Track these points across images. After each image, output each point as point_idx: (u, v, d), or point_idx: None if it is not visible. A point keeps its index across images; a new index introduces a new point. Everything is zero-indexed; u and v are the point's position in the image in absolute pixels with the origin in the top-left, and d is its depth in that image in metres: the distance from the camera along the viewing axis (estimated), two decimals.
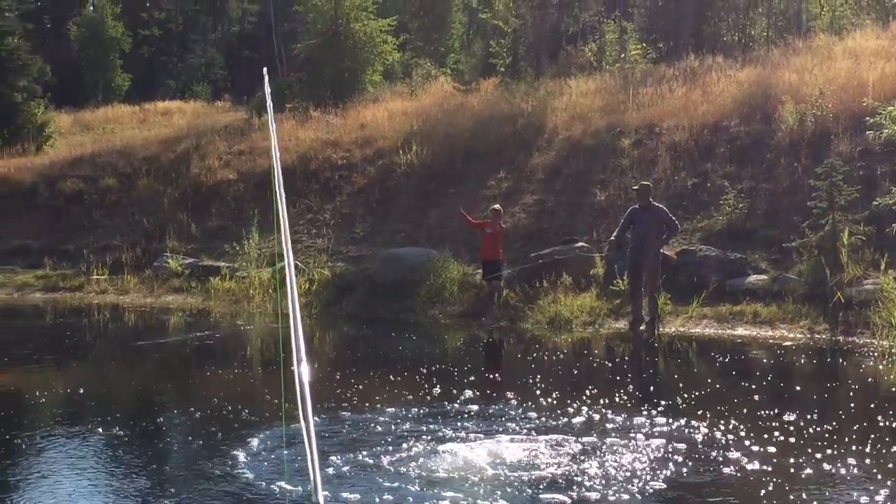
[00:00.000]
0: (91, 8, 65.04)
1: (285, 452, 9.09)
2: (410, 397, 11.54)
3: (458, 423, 10.15)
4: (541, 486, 8.09)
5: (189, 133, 33.32)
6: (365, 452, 9.07)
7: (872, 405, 10.82)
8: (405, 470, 8.55)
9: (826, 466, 8.46)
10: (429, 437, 9.58)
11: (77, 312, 21.21)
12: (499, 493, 7.95)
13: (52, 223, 28.43)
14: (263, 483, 8.28)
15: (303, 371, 3.43)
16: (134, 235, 26.23)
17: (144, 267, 24.11)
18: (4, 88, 36.79)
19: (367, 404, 11.24)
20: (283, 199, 4.16)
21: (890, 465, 8.46)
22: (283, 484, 8.16)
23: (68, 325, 19.71)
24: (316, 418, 9.98)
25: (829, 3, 37.35)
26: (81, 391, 12.56)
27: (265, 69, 6.04)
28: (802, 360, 14.10)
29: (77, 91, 54.48)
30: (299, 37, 41.88)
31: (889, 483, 7.97)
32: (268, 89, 5.43)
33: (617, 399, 11.35)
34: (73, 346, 17.19)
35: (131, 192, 29.03)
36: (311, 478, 3.13)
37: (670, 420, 10.13)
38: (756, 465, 8.55)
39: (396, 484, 8.13)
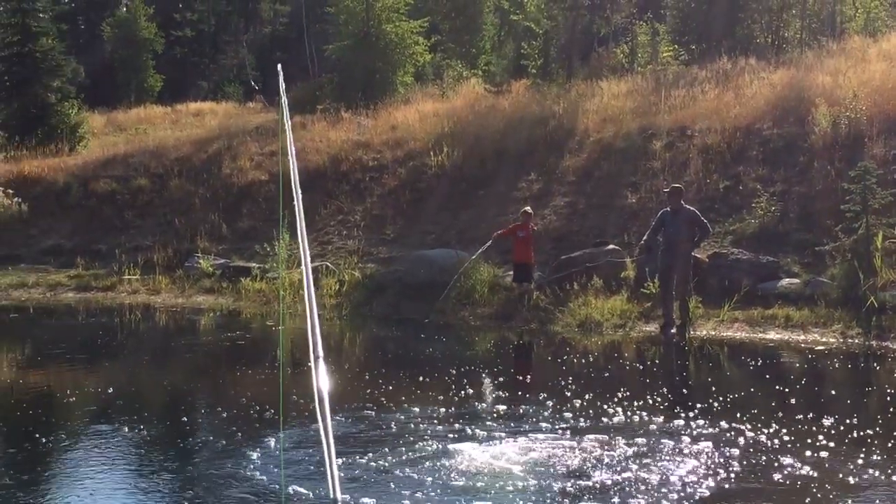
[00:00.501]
0: (124, 9, 65.40)
1: (304, 453, 9.10)
2: (439, 399, 11.52)
3: (487, 426, 10.14)
4: (571, 492, 8.06)
5: (221, 134, 33.43)
6: (389, 454, 9.08)
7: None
8: (431, 472, 8.53)
9: (870, 472, 8.39)
10: (456, 440, 9.57)
11: (109, 312, 21.32)
12: (528, 498, 7.93)
13: (84, 223, 28.58)
14: (276, 485, 8.29)
15: (320, 369, 3.40)
16: (165, 236, 26.33)
17: (176, 267, 24.20)
18: (38, 89, 37.03)
19: (394, 406, 11.24)
20: (300, 194, 4.13)
21: None
22: (297, 487, 8.17)
23: (100, 325, 19.82)
24: (340, 417, 10.06)
25: (864, 5, 37.01)
26: (111, 391, 12.62)
27: (279, 65, 6.04)
28: (836, 365, 13.99)
29: (110, 92, 54.84)
30: (331, 38, 41.91)
31: None
32: (282, 85, 5.42)
33: (648, 403, 11.30)
34: (105, 345, 17.29)
35: (163, 193, 29.15)
36: (329, 478, 3.11)
37: (704, 425, 10.07)
38: (796, 471, 8.48)
39: (421, 487, 8.12)
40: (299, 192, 4.07)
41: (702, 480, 8.23)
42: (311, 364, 3.44)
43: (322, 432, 3.29)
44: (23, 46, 37.47)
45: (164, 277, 23.51)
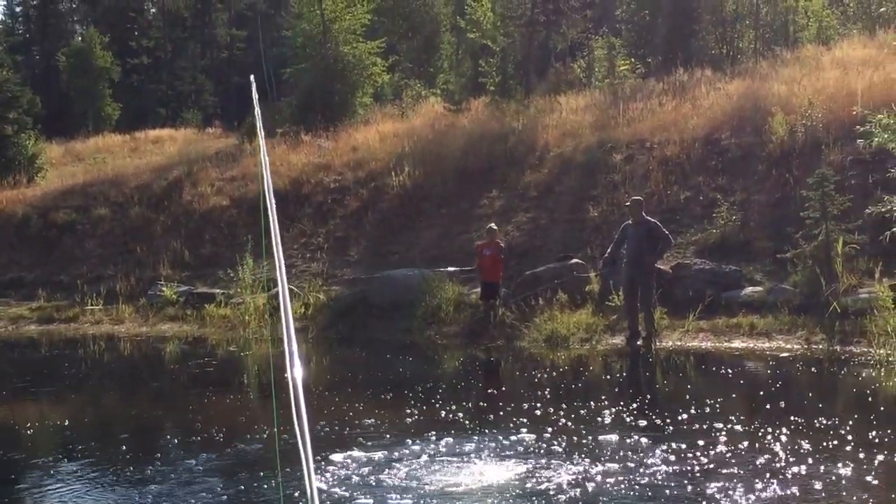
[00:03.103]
0: (79, 38, 65.07)
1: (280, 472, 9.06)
2: (407, 419, 11.50)
3: (457, 444, 10.12)
4: None
5: (180, 160, 33.27)
6: (359, 474, 9.04)
7: (875, 414, 10.80)
8: (404, 490, 8.51)
9: (838, 473, 8.45)
10: (426, 458, 9.55)
11: (72, 344, 21.14)
12: None
13: (45, 254, 28.34)
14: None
15: (297, 379, 3.39)
16: (127, 264, 26.14)
17: (139, 296, 24.01)
18: None
19: (363, 427, 11.21)
20: (274, 208, 4.11)
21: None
22: None
23: (64, 357, 19.65)
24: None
25: (816, 14, 37.43)
26: (77, 423, 12.51)
27: (252, 76, 6.01)
28: (801, 371, 14.10)
29: (67, 122, 54.45)
30: (288, 61, 41.88)
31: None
32: (255, 96, 5.38)
33: (617, 416, 11.34)
34: (70, 377, 17.14)
35: (124, 221, 28.96)
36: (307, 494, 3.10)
37: (673, 434, 10.11)
38: (766, 476, 8.53)
39: None
40: (274, 211, 4.05)
41: (674, 490, 8.26)
42: (289, 380, 3.43)
43: (301, 451, 3.27)
44: None
45: (128, 306, 23.35)
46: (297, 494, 8.48)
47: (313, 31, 38.60)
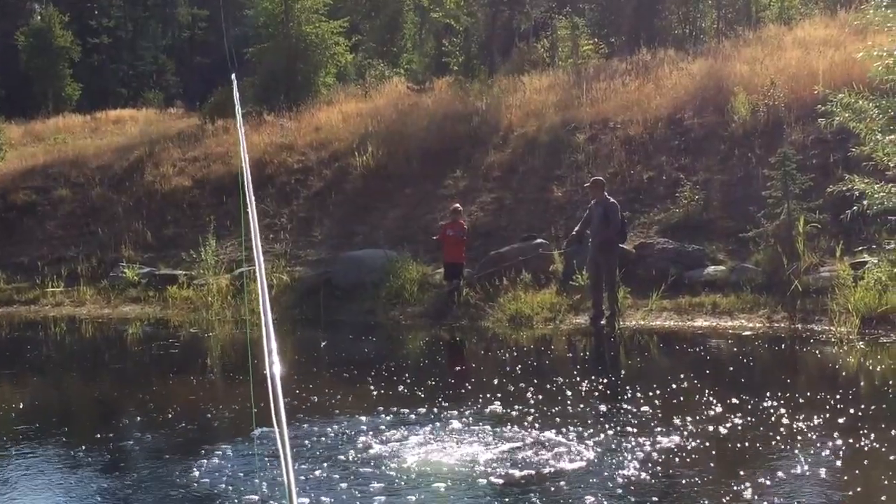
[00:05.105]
0: (38, 17, 64.27)
1: (256, 457, 9.03)
2: (372, 399, 11.49)
3: (421, 425, 10.12)
4: (509, 486, 8.08)
5: (142, 141, 32.99)
6: (327, 457, 9.03)
7: (837, 391, 10.88)
8: (370, 474, 8.51)
9: (797, 448, 8.52)
10: (392, 440, 9.54)
11: (33, 326, 20.98)
12: (468, 494, 7.94)
13: (4, 236, 28.07)
14: (232, 491, 8.22)
15: (275, 371, 3.36)
16: (89, 246, 25.95)
17: (100, 277, 23.86)
18: None
19: (328, 409, 11.19)
20: (252, 194, 4.08)
21: (849, 448, 8.54)
22: (254, 497, 8.10)
23: (25, 339, 19.49)
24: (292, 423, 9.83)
25: None
26: (38, 406, 12.41)
27: (234, 75, 5.96)
28: (762, 350, 14.20)
29: (27, 102, 53.79)
30: (251, 41, 41.60)
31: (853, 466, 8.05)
32: (236, 93, 5.32)
33: (580, 394, 11.39)
34: (30, 360, 16.99)
35: (85, 203, 28.73)
36: (286, 483, 3.07)
37: (635, 413, 10.16)
38: (728, 452, 8.59)
39: (363, 487, 8.09)
40: (252, 196, 4.02)
41: (633, 468, 8.29)
42: (267, 365, 3.39)
43: (278, 438, 3.25)
44: None
45: (89, 288, 23.19)
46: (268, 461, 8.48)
47: (275, 10, 38.40)
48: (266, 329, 3.41)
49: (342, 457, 9.06)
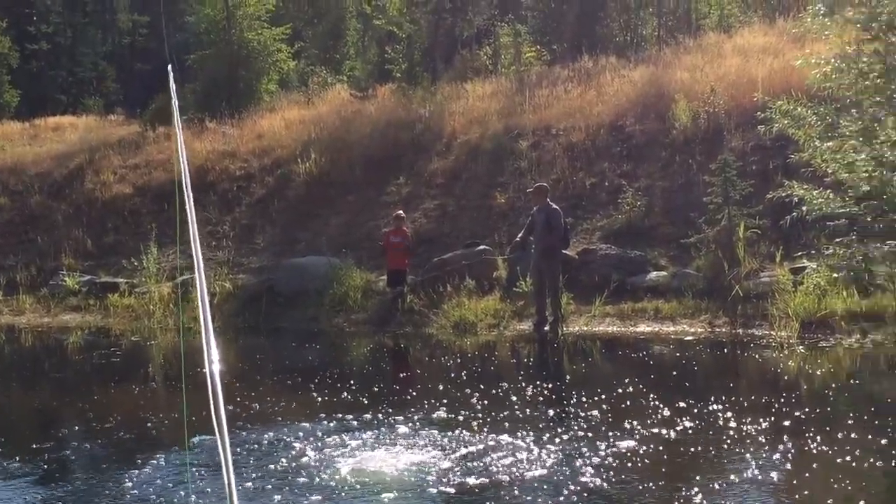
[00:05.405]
0: None
1: (190, 466, 8.94)
2: (314, 407, 11.43)
3: (365, 431, 10.07)
4: (461, 494, 8.07)
5: (82, 148, 32.55)
6: (260, 466, 8.95)
7: (778, 395, 10.99)
8: (309, 483, 8.45)
9: (736, 450, 8.59)
10: (333, 447, 9.49)
11: None
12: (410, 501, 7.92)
13: None
14: (163, 502, 8.13)
15: (216, 377, 3.31)
16: (28, 254, 25.58)
17: (40, 286, 23.52)
18: None
19: (268, 416, 11.11)
20: (191, 198, 4.02)
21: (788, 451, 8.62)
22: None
23: None
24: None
25: (718, 2, 38.01)
26: None
27: (170, 66, 5.87)
28: (704, 354, 14.33)
29: None
30: (192, 47, 41.28)
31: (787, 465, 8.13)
32: (173, 87, 5.24)
33: (524, 400, 11.40)
34: None
35: (24, 210, 28.32)
36: (227, 491, 3.03)
37: (577, 418, 10.19)
38: (666, 455, 8.64)
39: (297, 498, 8.04)
40: (191, 198, 3.96)
41: (572, 472, 8.31)
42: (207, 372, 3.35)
43: (219, 445, 3.20)
44: None
45: (28, 297, 22.85)
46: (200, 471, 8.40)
47: (217, 16, 38.17)
48: (206, 336, 3.36)
49: (277, 465, 8.98)
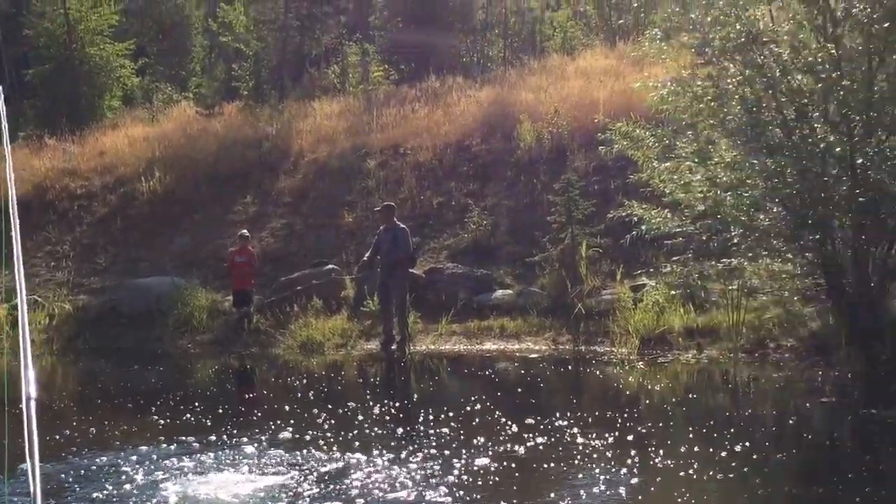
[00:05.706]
0: None
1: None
2: (155, 429, 11.20)
3: (201, 455, 9.86)
4: None
5: None
6: (91, 495, 8.68)
7: (621, 409, 11.21)
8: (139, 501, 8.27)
9: (574, 465, 8.73)
10: (165, 472, 9.25)
11: None
12: None
13: None
14: None
15: (31, 402, 3.23)
16: None
17: None
18: None
19: (104, 440, 10.80)
20: (17, 224, 3.90)
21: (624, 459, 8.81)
22: None
23: None
24: (48, 466, 9.35)
25: (561, 25, 38.77)
26: None
27: None
28: (548, 371, 14.54)
29: None
30: (31, 62, 40.15)
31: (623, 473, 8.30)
32: (2, 106, 5.08)
33: (371, 419, 11.38)
34: None
35: None
36: None
37: (432, 436, 10.21)
38: (510, 471, 8.72)
39: None
40: (17, 221, 3.85)
41: (446, 494, 8.33)
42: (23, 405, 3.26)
43: (31, 476, 3.12)
44: None
45: None
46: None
47: (56, 31, 37.24)
48: (24, 359, 3.28)
49: (101, 493, 8.65)
